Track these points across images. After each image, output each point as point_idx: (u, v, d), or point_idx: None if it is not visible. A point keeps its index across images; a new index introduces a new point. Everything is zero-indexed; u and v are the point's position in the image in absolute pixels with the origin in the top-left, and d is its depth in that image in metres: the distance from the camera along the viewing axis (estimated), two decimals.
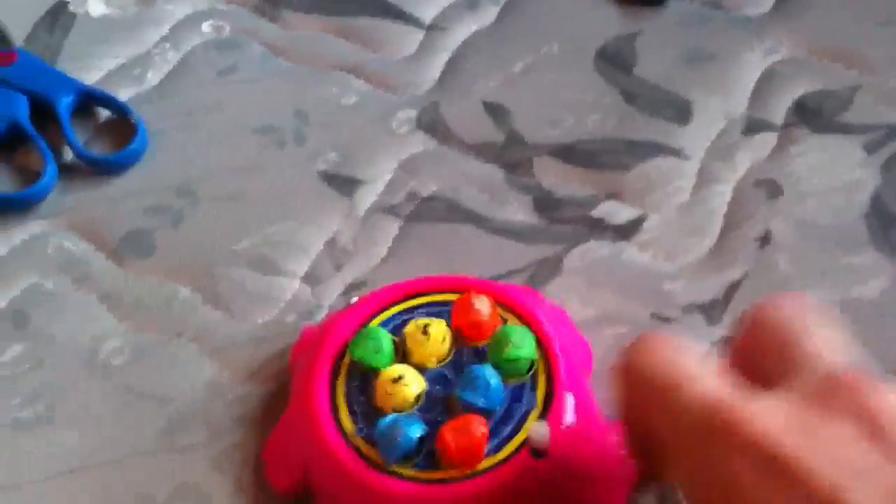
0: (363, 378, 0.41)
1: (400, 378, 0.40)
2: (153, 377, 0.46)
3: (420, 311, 0.43)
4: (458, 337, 0.42)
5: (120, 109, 0.56)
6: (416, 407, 0.40)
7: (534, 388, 0.40)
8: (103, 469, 0.43)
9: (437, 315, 0.42)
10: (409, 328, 0.42)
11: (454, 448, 0.38)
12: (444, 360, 0.42)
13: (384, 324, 0.43)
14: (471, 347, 0.42)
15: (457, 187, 0.52)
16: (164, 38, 0.60)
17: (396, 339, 0.42)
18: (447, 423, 0.39)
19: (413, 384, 0.40)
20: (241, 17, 0.61)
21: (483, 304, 0.42)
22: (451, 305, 0.43)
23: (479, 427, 0.38)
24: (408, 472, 0.38)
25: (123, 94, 0.57)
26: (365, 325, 0.43)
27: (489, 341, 0.41)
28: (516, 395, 0.40)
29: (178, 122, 0.56)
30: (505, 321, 0.42)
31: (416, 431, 0.38)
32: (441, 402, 0.40)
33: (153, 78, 0.58)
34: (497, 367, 0.40)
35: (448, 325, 0.42)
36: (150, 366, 0.46)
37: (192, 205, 0.52)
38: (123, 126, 0.56)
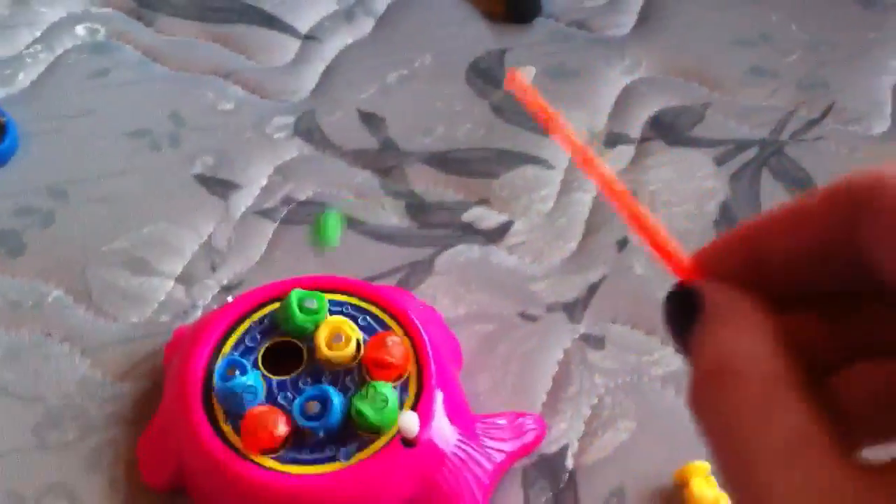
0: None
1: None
2: (24, 377, 0.45)
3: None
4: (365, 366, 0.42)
5: None
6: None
7: (406, 387, 0.42)
8: None
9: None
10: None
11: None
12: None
13: (259, 321, 0.43)
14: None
15: (332, 192, 0.53)
16: (36, 41, 0.60)
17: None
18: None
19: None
20: (117, 21, 0.61)
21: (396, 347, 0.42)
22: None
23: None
24: (275, 464, 0.39)
25: None
26: (246, 317, 0.43)
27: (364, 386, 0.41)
28: None
29: (50, 124, 0.56)
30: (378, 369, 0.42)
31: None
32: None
33: (24, 79, 0.58)
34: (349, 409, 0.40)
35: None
36: (21, 365, 0.46)
37: (63, 206, 0.52)
38: None
